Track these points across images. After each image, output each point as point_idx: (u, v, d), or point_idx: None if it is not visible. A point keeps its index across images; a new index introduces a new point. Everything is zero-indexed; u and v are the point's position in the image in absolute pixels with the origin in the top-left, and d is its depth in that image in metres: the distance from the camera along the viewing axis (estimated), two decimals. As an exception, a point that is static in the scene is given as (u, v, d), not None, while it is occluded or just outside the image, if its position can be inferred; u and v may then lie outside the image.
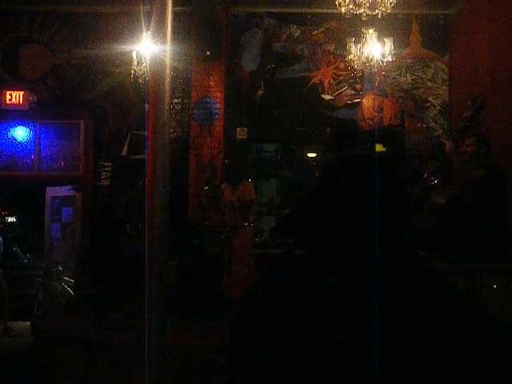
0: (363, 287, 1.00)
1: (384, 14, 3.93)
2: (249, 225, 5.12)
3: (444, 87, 6.77)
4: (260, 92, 6.87)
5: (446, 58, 6.76)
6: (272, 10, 6.84)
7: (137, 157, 6.50)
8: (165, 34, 2.47)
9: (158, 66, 2.46)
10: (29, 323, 5.56)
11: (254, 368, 1.01)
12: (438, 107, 6.73)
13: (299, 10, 6.83)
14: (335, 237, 1.04)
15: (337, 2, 3.70)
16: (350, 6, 3.66)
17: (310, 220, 1.07)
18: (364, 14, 3.79)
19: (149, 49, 3.13)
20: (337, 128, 4.07)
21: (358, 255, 1.02)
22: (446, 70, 6.77)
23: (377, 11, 3.81)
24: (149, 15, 2.51)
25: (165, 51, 2.47)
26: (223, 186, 5.56)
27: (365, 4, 3.70)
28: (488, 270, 3.13)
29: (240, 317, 1.09)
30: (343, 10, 3.67)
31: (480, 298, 2.70)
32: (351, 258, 1.03)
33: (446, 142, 5.80)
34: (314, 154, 7.48)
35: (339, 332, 0.97)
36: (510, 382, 0.98)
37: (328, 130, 4.06)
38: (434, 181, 5.01)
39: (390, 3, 3.82)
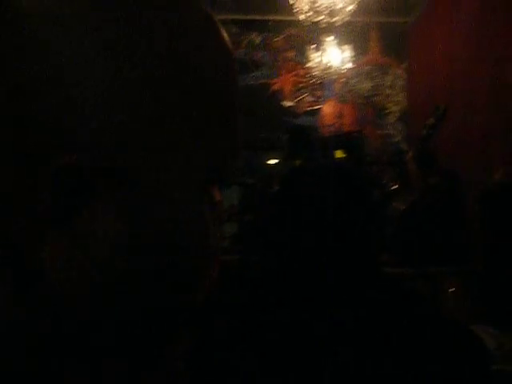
0: (323, 296, 1.00)
1: (343, 22, 3.97)
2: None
3: (403, 94, 6.85)
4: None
5: (405, 65, 6.85)
6: (233, 17, 6.84)
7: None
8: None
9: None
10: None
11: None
12: (397, 114, 6.82)
13: (260, 17, 6.86)
14: (296, 247, 1.04)
15: (296, 10, 3.72)
16: (309, 14, 3.68)
17: (269, 230, 1.07)
18: (323, 22, 3.81)
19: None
20: (293, 135, 4.09)
21: (317, 264, 1.02)
22: (405, 76, 6.86)
23: (335, 19, 3.84)
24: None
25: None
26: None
27: (324, 11, 3.73)
28: (446, 273, 3.18)
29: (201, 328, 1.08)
30: (302, 17, 3.69)
31: (438, 301, 2.73)
32: (310, 266, 1.03)
33: (405, 149, 5.89)
34: (275, 161, 7.50)
35: (295, 340, 0.96)
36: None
37: (284, 137, 4.08)
38: (393, 187, 5.07)
39: (349, 11, 3.86)
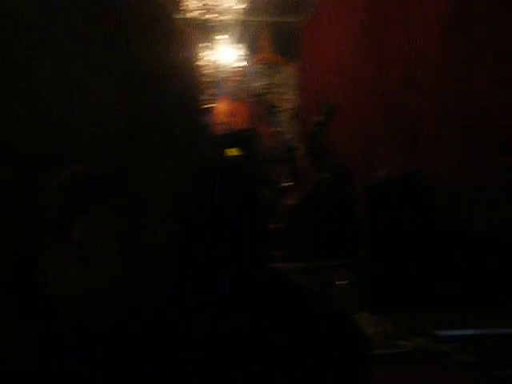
0: (211, 291, 1.00)
1: (235, 21, 4.00)
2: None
3: (295, 92, 7.00)
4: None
5: (296, 64, 6.99)
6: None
7: None
8: None
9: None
10: None
11: None
12: (289, 112, 6.95)
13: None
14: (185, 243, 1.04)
15: (185, 8, 3.72)
16: (198, 12, 3.69)
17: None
18: (213, 20, 3.83)
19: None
20: None
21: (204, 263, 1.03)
22: (296, 75, 7.00)
23: (226, 17, 3.87)
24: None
25: None
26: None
27: (213, 10, 3.75)
28: (336, 266, 3.28)
29: None
30: (190, 15, 3.70)
31: (327, 293, 2.82)
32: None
33: (298, 146, 6.03)
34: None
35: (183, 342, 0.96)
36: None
37: None
38: (286, 183, 5.18)
39: (240, 10, 3.89)
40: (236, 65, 5.36)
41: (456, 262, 2.74)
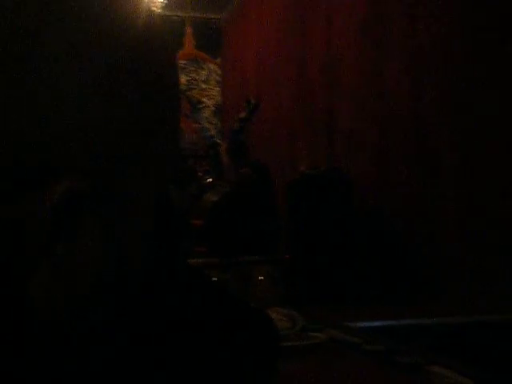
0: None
1: (155, 14, 3.96)
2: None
3: (217, 89, 7.01)
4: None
5: (219, 60, 7.01)
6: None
7: None
8: None
9: None
10: None
11: None
12: (212, 108, 6.96)
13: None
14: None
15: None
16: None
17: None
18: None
19: None
20: None
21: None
22: (219, 72, 7.02)
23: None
24: None
25: None
26: None
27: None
28: (255, 261, 3.32)
29: None
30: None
31: (248, 289, 2.86)
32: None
33: (220, 142, 6.04)
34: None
35: None
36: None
37: None
38: (208, 179, 5.18)
39: (160, 4, 3.87)
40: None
41: (369, 260, 2.84)
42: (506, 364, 1.68)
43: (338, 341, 1.65)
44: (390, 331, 1.76)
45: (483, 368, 1.42)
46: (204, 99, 6.96)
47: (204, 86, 6.98)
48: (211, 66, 7.03)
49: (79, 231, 0.43)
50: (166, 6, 3.78)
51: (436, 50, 2.88)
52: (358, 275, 2.74)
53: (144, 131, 0.49)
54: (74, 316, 0.46)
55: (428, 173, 2.91)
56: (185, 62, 6.93)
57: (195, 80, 6.97)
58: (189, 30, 6.99)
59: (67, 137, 0.43)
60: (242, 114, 5.07)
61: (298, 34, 4.70)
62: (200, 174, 5.45)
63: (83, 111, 0.44)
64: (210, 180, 5.23)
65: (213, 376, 0.99)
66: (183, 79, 6.90)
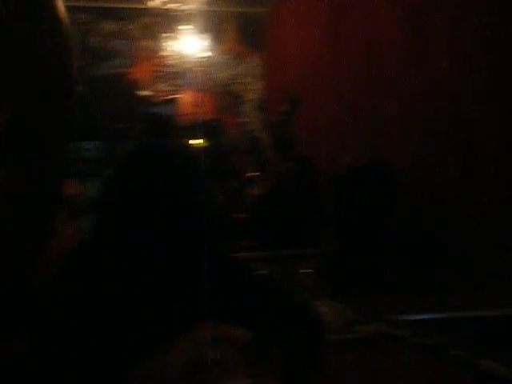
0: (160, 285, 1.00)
1: (198, 11, 3.99)
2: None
3: (260, 83, 7.00)
4: (78, 89, 6.65)
5: (261, 54, 6.99)
6: (87, 5, 6.65)
7: None
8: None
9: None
10: None
11: None
12: (255, 102, 6.96)
13: (114, 5, 6.71)
14: (134, 232, 1.03)
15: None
16: (161, 1, 3.67)
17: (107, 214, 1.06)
18: (177, 10, 3.82)
19: None
20: (148, 125, 4.07)
21: (160, 252, 1.03)
22: (262, 65, 7.01)
23: (188, 7, 3.85)
24: None
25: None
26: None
27: (176, 0, 3.73)
28: (301, 255, 3.32)
29: None
30: (152, 4, 3.67)
31: (294, 282, 2.86)
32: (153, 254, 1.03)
33: (263, 136, 6.04)
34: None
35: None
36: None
37: (140, 127, 4.06)
38: (252, 173, 5.19)
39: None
40: (200, 55, 5.34)
41: (416, 249, 2.80)
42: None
43: (386, 334, 1.64)
44: (438, 323, 1.73)
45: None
46: (247, 93, 6.95)
47: (247, 80, 6.98)
48: (254, 59, 7.02)
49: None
50: (210, 1, 3.80)
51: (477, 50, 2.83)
52: (407, 265, 2.72)
53: None
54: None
55: (472, 160, 2.86)
56: (227, 56, 6.94)
57: (238, 74, 6.97)
58: (231, 25, 6.99)
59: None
60: (285, 108, 5.06)
61: (342, 27, 4.66)
62: (242, 168, 5.46)
63: None
64: (254, 174, 5.25)
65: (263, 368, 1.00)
66: (226, 73, 6.91)
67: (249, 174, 4.74)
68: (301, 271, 2.93)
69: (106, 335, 0.90)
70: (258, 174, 5.02)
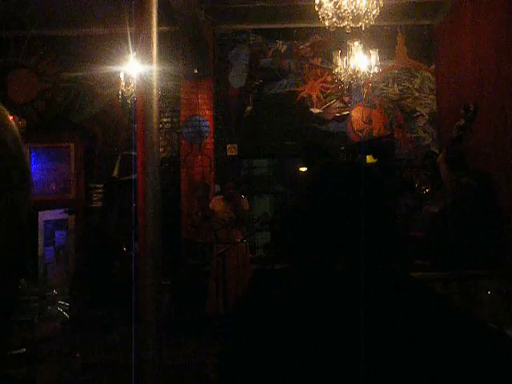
0: (348, 301, 0.99)
1: (368, 26, 3.96)
2: (242, 241, 5.13)
3: (431, 96, 6.81)
4: (249, 108, 6.89)
5: (432, 67, 6.81)
6: (258, 26, 6.88)
7: (127, 177, 6.47)
8: (151, 55, 2.49)
9: (145, 86, 2.48)
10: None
11: None
12: (427, 117, 6.77)
13: (285, 26, 6.89)
14: (319, 248, 1.03)
15: (320, 16, 3.73)
16: (334, 20, 3.69)
17: (295, 231, 1.07)
18: (348, 27, 3.81)
19: (136, 69, 3.14)
20: (307, 147, 4.09)
21: (343, 266, 1.01)
22: (433, 79, 6.82)
23: (360, 23, 3.83)
24: (135, 36, 2.52)
25: (151, 71, 2.48)
26: (214, 200, 5.58)
27: (348, 17, 3.73)
28: (482, 275, 3.14)
29: (228, 335, 1.08)
30: (327, 23, 3.70)
31: (474, 304, 2.71)
32: (335, 269, 1.02)
33: (436, 151, 5.85)
34: (305, 168, 7.49)
35: (326, 352, 0.95)
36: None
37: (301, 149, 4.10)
38: (425, 190, 5.04)
39: (374, 15, 3.85)
40: (371, 71, 5.30)
41: None
42: None
43: None
44: None
45: None
46: (418, 108, 6.79)
47: (418, 94, 6.82)
48: (424, 73, 6.85)
49: None
50: (379, 17, 3.76)
51: None
52: None
53: None
54: None
55: None
56: (397, 71, 6.84)
57: (408, 89, 6.83)
58: (400, 39, 6.89)
59: None
60: (461, 122, 4.86)
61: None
62: (416, 184, 5.32)
63: None
64: (428, 190, 5.09)
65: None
66: (396, 88, 6.79)
67: (423, 190, 4.60)
68: (482, 293, 2.77)
69: None
70: (432, 190, 4.86)
